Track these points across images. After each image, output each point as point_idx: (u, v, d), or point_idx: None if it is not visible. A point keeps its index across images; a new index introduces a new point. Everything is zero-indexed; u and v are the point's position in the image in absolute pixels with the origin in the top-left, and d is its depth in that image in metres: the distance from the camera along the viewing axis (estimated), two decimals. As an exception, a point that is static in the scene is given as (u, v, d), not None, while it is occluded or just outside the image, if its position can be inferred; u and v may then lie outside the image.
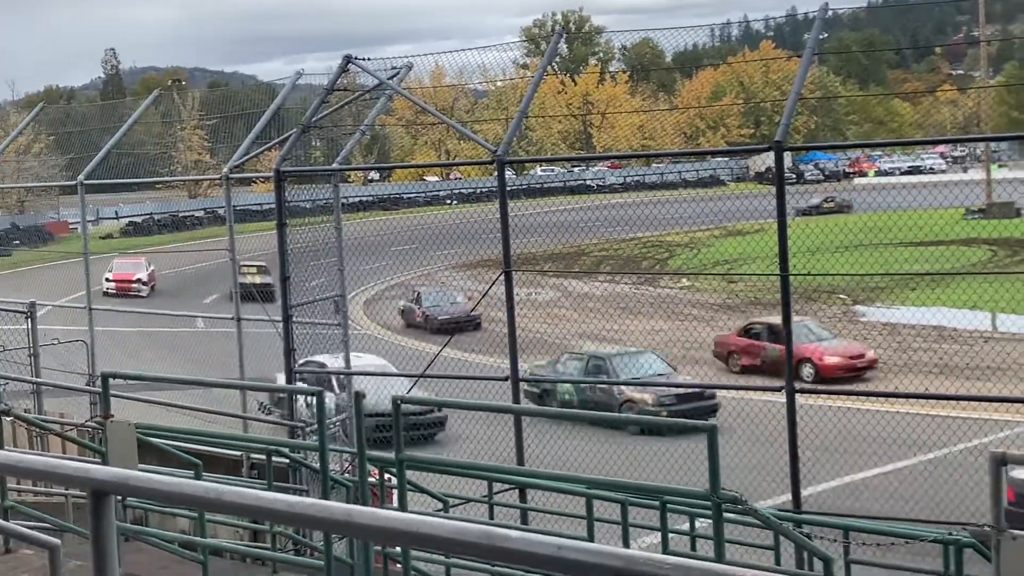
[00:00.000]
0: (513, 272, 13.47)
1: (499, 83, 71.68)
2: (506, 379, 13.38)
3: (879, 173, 73.33)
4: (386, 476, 10.05)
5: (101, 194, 46.60)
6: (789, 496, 11.73)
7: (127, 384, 12.61)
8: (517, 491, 11.72)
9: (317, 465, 8.78)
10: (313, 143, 17.55)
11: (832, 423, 18.13)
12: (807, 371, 27.01)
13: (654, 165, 73.32)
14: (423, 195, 67.18)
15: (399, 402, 7.70)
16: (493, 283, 13.95)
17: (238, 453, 11.65)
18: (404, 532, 2.67)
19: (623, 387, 23.39)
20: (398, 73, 16.14)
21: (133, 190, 55.47)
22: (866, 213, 26.13)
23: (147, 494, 3.32)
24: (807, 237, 18.29)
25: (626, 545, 9.03)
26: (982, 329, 28.47)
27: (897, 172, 72.20)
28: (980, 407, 20.21)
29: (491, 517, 10.77)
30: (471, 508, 11.45)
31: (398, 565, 8.53)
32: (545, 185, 66.80)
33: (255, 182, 41.20)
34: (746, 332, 29.21)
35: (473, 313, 34.22)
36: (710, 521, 7.10)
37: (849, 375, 26.78)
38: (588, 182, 69.79)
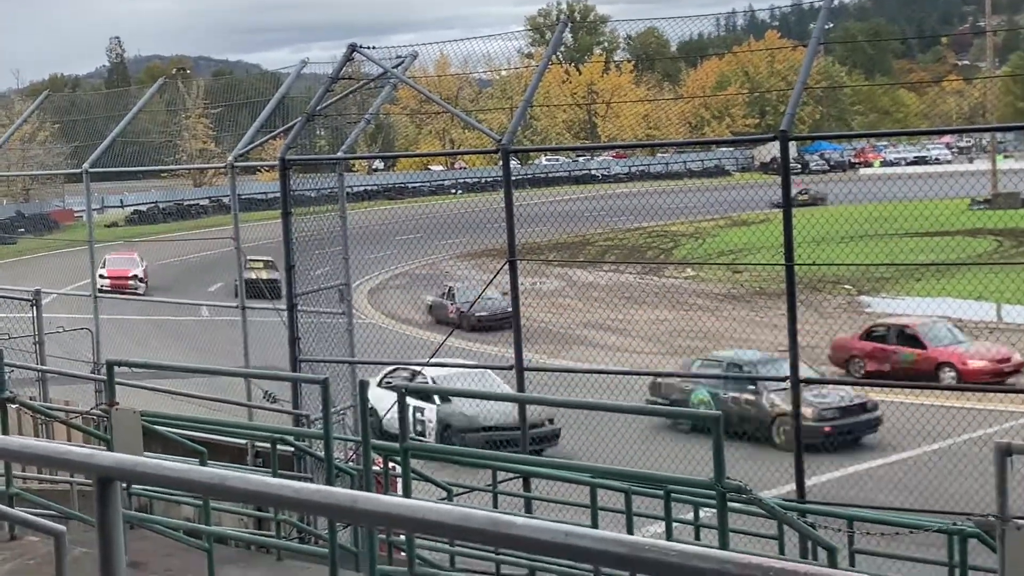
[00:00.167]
0: (518, 261, 13.46)
1: (504, 72, 71.55)
2: (511, 368, 13.40)
3: (884, 163, 73.20)
4: (390, 465, 10.06)
5: (106, 182, 46.65)
6: (793, 486, 11.74)
7: (132, 372, 12.63)
8: (521, 481, 11.74)
9: (322, 453, 8.79)
10: (318, 132, 17.55)
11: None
12: (948, 376, 24.58)
13: (659, 155, 73.24)
14: (428, 184, 67.18)
15: (404, 391, 7.70)
16: (497, 272, 13.95)
17: (243, 441, 11.66)
18: (409, 518, 2.67)
19: (775, 400, 20.95)
20: (403, 62, 16.13)
21: (138, 178, 55.50)
22: (860, 204, 26.11)
23: (153, 480, 3.33)
24: (812, 227, 18.26)
25: (630, 534, 9.03)
26: (987, 320, 28.45)
27: (903, 162, 72.07)
28: (985, 398, 20.20)
29: (495, 507, 10.78)
30: (475, 499, 11.47)
31: (402, 554, 8.54)
32: (550, 175, 66.81)
33: (260, 171, 41.24)
34: (868, 335, 26.82)
35: (504, 309, 34.17)
36: (714, 511, 7.10)
37: (994, 380, 23.87)
38: (593, 172, 69.80)
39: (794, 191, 53.62)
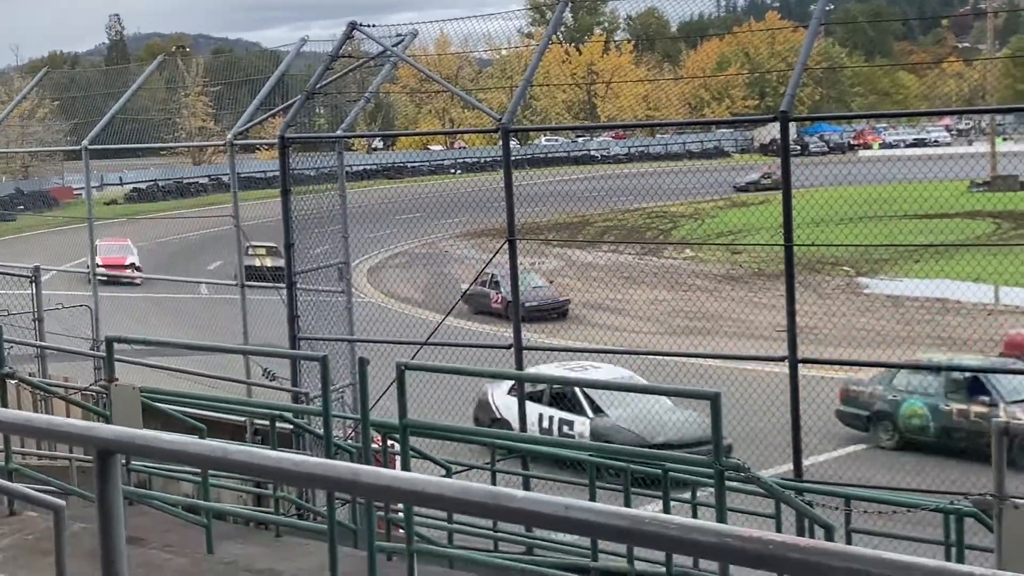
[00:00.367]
0: (517, 241, 13.47)
1: (504, 52, 71.34)
2: (509, 347, 13.42)
3: (884, 145, 73.15)
4: (389, 443, 10.08)
5: (105, 160, 46.54)
6: (791, 465, 11.77)
7: (131, 349, 12.65)
8: (520, 459, 11.76)
9: (320, 431, 8.81)
10: (317, 110, 17.52)
11: (834, 394, 18.16)
12: None
13: (658, 135, 73.13)
14: (427, 164, 67.08)
15: (403, 368, 7.71)
16: (497, 252, 13.96)
17: (242, 419, 11.68)
18: (409, 492, 2.68)
19: (1018, 413, 17.83)
20: (403, 40, 16.09)
21: (137, 156, 55.37)
22: (860, 186, 26.08)
23: (152, 453, 3.34)
24: (811, 208, 18.26)
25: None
26: (985, 302, 28.47)
27: (902, 144, 72.02)
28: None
29: (493, 484, 10.81)
30: (474, 477, 11.49)
31: (401, 531, 8.56)
32: (549, 155, 66.70)
33: (259, 149, 41.10)
34: None
35: (562, 299, 32.83)
36: (712, 490, 7.12)
37: None
38: (592, 152, 69.67)
39: (757, 175, 53.46)
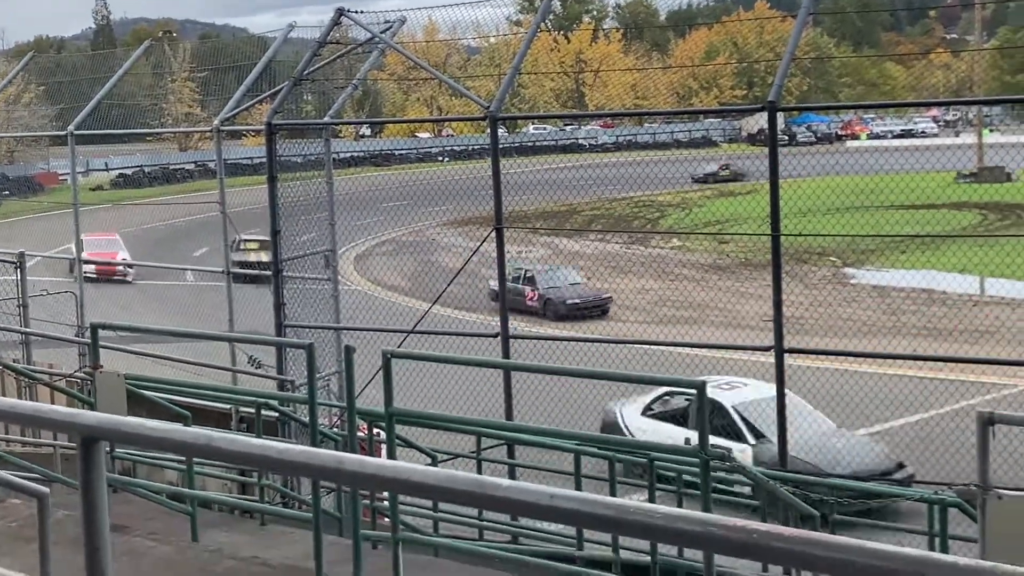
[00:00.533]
0: (504, 229, 13.46)
1: (492, 39, 71.22)
2: (496, 336, 13.42)
3: (871, 136, 73.26)
4: (374, 431, 10.07)
5: (91, 145, 46.38)
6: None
7: (116, 335, 12.61)
8: (506, 448, 11.77)
9: (306, 419, 8.80)
10: (305, 97, 17.47)
11: (821, 384, 18.18)
12: None
13: (646, 124, 73.18)
14: (415, 151, 66.99)
15: (389, 356, 7.70)
16: (484, 240, 13.94)
17: (227, 406, 11.66)
18: (395, 480, 2.67)
19: None
20: (391, 27, 16.05)
21: (124, 142, 55.19)
22: (847, 176, 26.16)
23: (137, 440, 3.32)
24: (799, 198, 18.28)
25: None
26: (971, 293, 28.56)
27: (889, 135, 72.15)
28: (968, 369, 20.29)
29: (479, 472, 10.81)
30: (460, 466, 11.49)
31: (386, 519, 8.56)
32: (537, 143, 66.67)
33: (246, 135, 40.98)
34: None
35: (604, 295, 30.61)
36: (698, 479, 7.13)
37: None
38: (580, 141, 69.68)
39: (715, 167, 53.35)
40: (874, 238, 32.62)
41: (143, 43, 21.58)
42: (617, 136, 70.55)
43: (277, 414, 10.91)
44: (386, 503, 8.35)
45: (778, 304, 11.90)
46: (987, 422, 5.86)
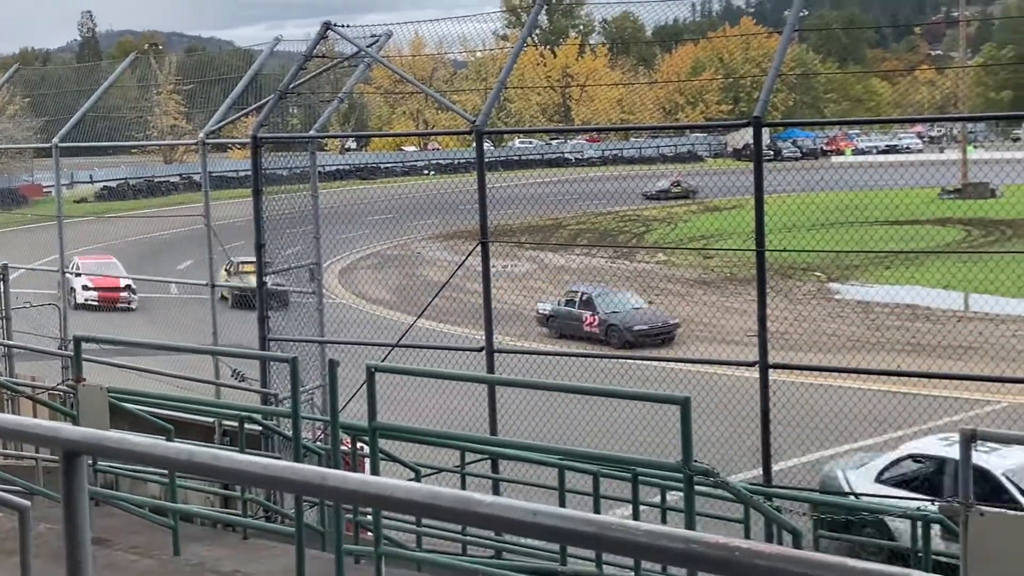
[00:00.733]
0: (489, 243, 13.46)
1: (479, 54, 71.38)
2: (481, 350, 13.40)
3: (856, 152, 73.53)
4: (358, 445, 10.06)
5: (76, 157, 46.29)
6: (760, 470, 11.80)
7: (99, 348, 12.56)
8: (489, 462, 11.75)
9: (289, 433, 8.77)
10: (290, 110, 17.47)
11: (804, 399, 18.21)
12: None
13: (632, 139, 73.32)
14: (400, 165, 67.01)
15: (373, 370, 7.68)
16: (469, 254, 13.94)
17: (210, 419, 11.63)
18: (378, 495, 2.67)
19: None
20: (377, 41, 16.06)
21: (108, 154, 55.10)
22: (831, 192, 26.24)
23: (119, 455, 3.31)
24: (784, 214, 18.34)
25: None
26: (955, 309, 28.67)
27: (874, 151, 72.42)
28: (951, 385, 20.34)
29: (463, 487, 10.79)
30: (443, 480, 11.47)
31: (369, 533, 8.54)
32: (523, 157, 66.74)
33: (231, 148, 40.93)
34: None
35: (672, 321, 28.33)
36: (681, 494, 7.13)
37: None
38: (566, 155, 69.76)
39: (667, 183, 53.07)
40: (859, 254, 32.75)
41: (129, 56, 21.55)
42: (603, 150, 70.67)
43: (261, 428, 10.87)
44: (369, 517, 8.33)
45: (763, 319, 11.91)
46: (970, 439, 5.88)
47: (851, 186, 29.02)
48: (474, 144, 13.48)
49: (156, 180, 62.28)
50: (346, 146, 64.40)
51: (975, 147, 55.27)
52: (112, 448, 3.22)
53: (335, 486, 2.73)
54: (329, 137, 30.61)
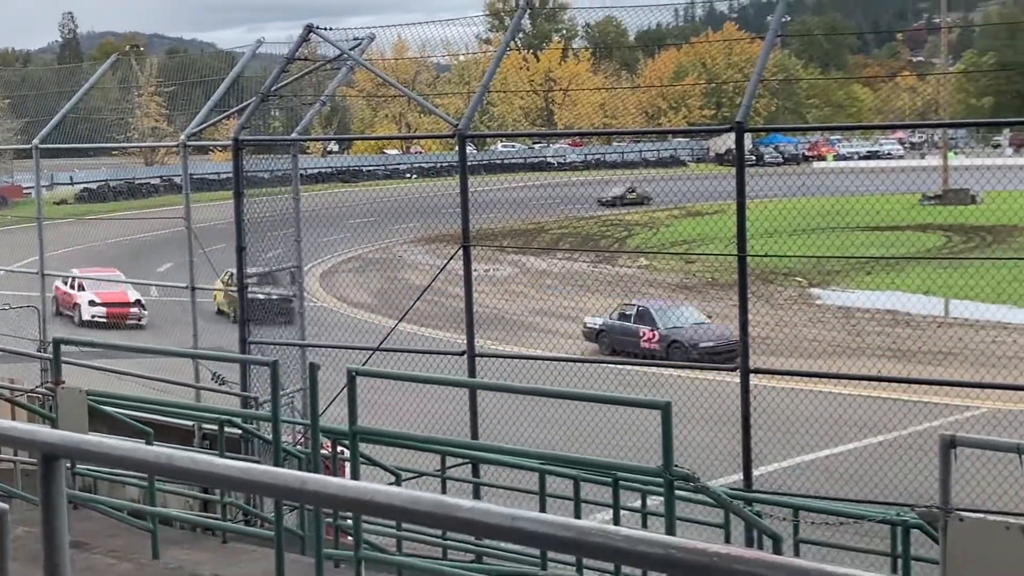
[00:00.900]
0: (471, 247, 13.45)
1: (462, 57, 71.49)
2: (462, 354, 13.39)
3: (838, 157, 73.84)
4: (339, 449, 10.03)
5: (56, 159, 46.05)
6: (741, 475, 11.82)
7: (79, 351, 12.51)
8: (470, 466, 11.74)
9: (269, 436, 8.75)
10: (272, 113, 17.44)
11: (785, 404, 18.26)
12: None
13: (615, 143, 73.38)
14: (383, 168, 66.93)
15: (354, 374, 7.67)
16: (451, 258, 13.93)
17: (190, 423, 11.58)
18: (357, 500, 2.66)
19: None
20: (360, 44, 16.04)
21: (89, 156, 54.88)
22: (813, 198, 26.33)
23: (98, 458, 3.30)
24: (765, 219, 18.39)
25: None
26: (935, 314, 28.76)
27: (856, 157, 72.72)
28: (931, 391, 20.42)
29: (443, 492, 10.78)
30: (424, 484, 11.45)
31: (349, 538, 8.52)
32: (506, 161, 66.74)
33: (213, 150, 40.81)
34: None
35: (733, 339, 27.44)
36: (662, 499, 7.14)
37: None
38: (549, 159, 69.79)
39: (621, 190, 52.76)
40: (840, 259, 32.83)
41: (110, 57, 21.49)
42: (585, 155, 70.75)
43: (240, 431, 10.84)
44: (349, 521, 8.32)
45: (744, 324, 11.94)
46: (949, 444, 5.90)
47: (833, 192, 29.14)
48: (457, 148, 13.48)
49: (137, 182, 62.04)
50: (328, 149, 64.36)
51: (956, 153, 55.55)
52: (91, 452, 3.21)
53: (315, 490, 2.73)
54: (311, 140, 30.55)
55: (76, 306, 32.63)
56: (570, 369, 18.12)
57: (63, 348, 8.98)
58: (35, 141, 18.30)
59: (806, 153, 74.39)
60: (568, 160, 69.48)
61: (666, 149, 73.34)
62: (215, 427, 9.65)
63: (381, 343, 14.38)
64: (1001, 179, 19.81)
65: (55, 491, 3.04)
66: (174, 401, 11.85)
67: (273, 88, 15.21)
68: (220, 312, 16.93)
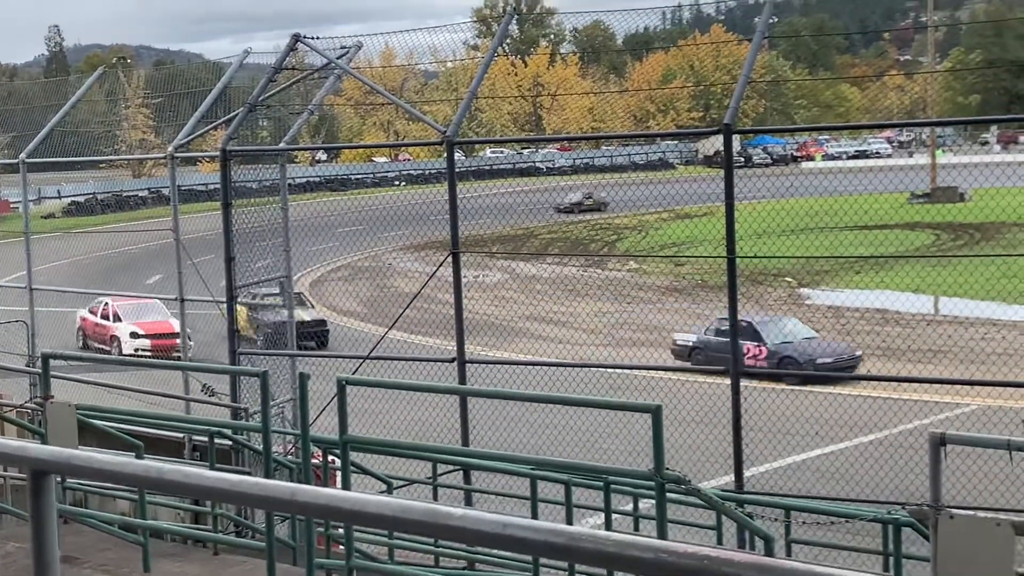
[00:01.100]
0: (461, 254, 13.45)
1: (449, 64, 71.37)
2: (452, 360, 13.39)
3: (826, 157, 74.01)
4: (329, 458, 10.02)
5: (44, 173, 45.96)
6: (732, 477, 11.83)
7: (68, 365, 12.48)
8: (462, 473, 11.74)
9: (260, 447, 8.74)
10: (260, 123, 17.43)
11: (776, 405, 18.29)
12: None
13: (603, 147, 73.44)
14: (371, 176, 66.89)
15: (344, 383, 7.66)
16: (441, 264, 13.93)
17: (180, 435, 11.56)
18: (348, 510, 2.66)
19: None
20: (347, 53, 16.03)
21: (76, 169, 54.77)
22: (802, 198, 26.37)
23: (88, 473, 3.29)
24: (754, 220, 18.43)
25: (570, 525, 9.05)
26: (924, 312, 28.83)
27: (844, 156, 72.88)
28: (921, 389, 20.47)
29: (435, 499, 10.77)
30: (415, 492, 11.45)
31: (340, 547, 8.51)
32: (494, 167, 66.75)
33: (201, 162, 40.73)
34: None
35: (858, 352, 25.07)
36: (653, 502, 7.14)
37: None
38: (537, 164, 69.83)
39: (579, 196, 52.41)
40: (829, 259, 32.90)
41: (97, 70, 21.45)
42: (574, 159, 70.80)
43: (231, 443, 10.82)
44: (341, 530, 8.30)
45: (734, 326, 11.96)
46: (939, 442, 5.91)
47: (821, 192, 29.18)
48: (445, 154, 13.48)
49: (125, 195, 61.89)
50: (316, 158, 64.27)
51: (944, 151, 55.70)
52: (81, 467, 3.20)
53: (305, 501, 2.72)
54: (299, 149, 30.53)
55: (114, 339, 30.28)
56: (560, 374, 18.13)
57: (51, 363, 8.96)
58: (22, 155, 18.26)
59: (794, 154, 74.52)
60: (557, 165, 69.51)
61: (655, 152, 73.40)
62: (206, 439, 9.64)
63: (371, 351, 14.36)
64: (989, 176, 19.88)
65: (45, 507, 3.03)
66: (164, 414, 11.83)
67: (261, 98, 15.19)
68: (240, 336, 14.98)
